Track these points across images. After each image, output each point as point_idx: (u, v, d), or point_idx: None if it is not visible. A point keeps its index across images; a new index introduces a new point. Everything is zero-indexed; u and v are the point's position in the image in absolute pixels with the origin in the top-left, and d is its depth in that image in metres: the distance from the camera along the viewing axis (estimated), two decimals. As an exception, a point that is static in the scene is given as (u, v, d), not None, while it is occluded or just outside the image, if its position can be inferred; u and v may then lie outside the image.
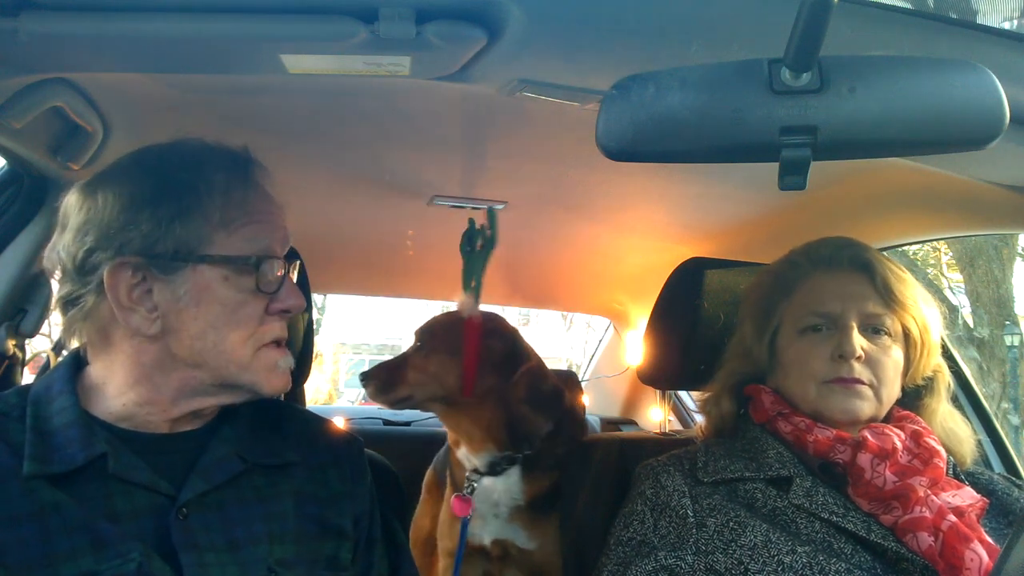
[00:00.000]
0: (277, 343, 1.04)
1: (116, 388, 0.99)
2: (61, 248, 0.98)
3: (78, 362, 1.03)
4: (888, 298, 1.23)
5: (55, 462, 0.93)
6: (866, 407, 1.20)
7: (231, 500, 0.99)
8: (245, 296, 1.00)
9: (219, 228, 0.98)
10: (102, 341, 0.99)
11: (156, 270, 0.96)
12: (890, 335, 1.23)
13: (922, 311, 1.25)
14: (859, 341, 1.20)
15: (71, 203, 1.00)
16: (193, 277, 0.97)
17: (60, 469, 0.92)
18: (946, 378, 1.31)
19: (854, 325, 1.21)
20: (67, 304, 0.98)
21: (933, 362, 1.28)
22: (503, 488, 1.65)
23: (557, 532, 1.57)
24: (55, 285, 1.04)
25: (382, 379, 1.73)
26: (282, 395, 1.09)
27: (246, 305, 1.00)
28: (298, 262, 1.10)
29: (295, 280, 1.09)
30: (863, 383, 1.19)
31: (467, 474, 1.68)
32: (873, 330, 1.22)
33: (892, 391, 1.22)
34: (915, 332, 1.24)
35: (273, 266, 1.01)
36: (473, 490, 1.65)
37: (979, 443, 1.33)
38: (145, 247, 0.95)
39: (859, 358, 1.19)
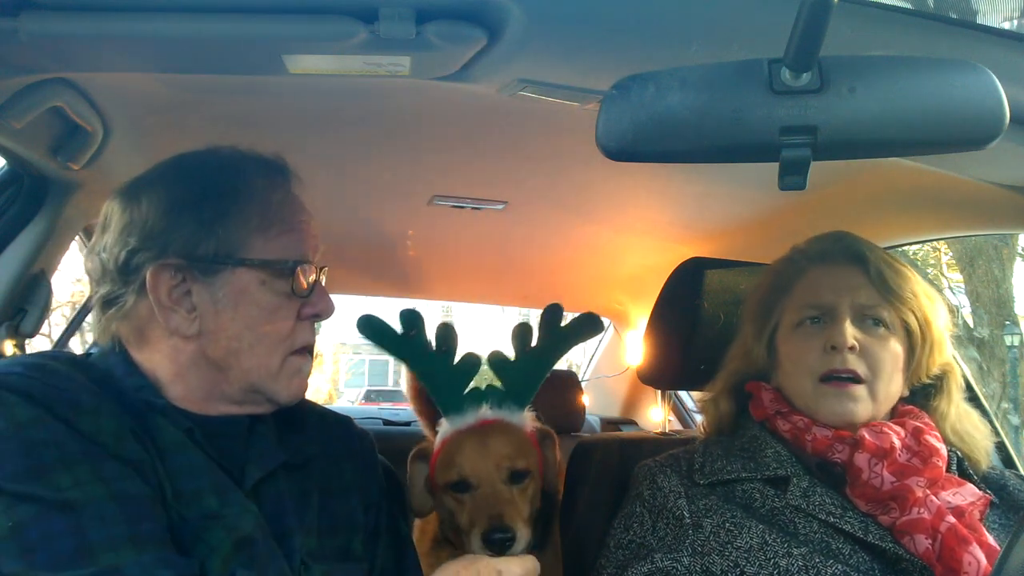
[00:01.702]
0: (304, 349, 1.07)
1: (164, 381, 1.01)
2: (102, 249, 1.01)
3: (125, 349, 1.04)
4: (883, 289, 1.22)
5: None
6: (860, 409, 1.18)
7: (267, 494, 1.02)
8: (280, 300, 1.02)
9: (257, 233, 1.01)
10: (139, 340, 1.01)
11: (197, 272, 0.98)
12: (887, 327, 1.21)
13: (923, 305, 1.23)
14: (852, 332, 1.19)
15: (113, 207, 1.02)
16: (232, 279, 1.00)
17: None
18: (958, 378, 1.28)
19: (847, 316, 1.20)
20: (106, 304, 1.01)
21: (940, 359, 1.26)
22: None
23: (555, 555, 1.55)
24: (91, 285, 1.06)
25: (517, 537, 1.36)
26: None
27: (281, 309, 1.03)
28: (326, 271, 1.12)
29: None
30: (857, 379, 1.18)
31: None
32: (871, 321, 1.21)
33: (890, 387, 1.21)
34: (915, 325, 1.22)
35: (307, 271, 1.04)
36: None
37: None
38: (187, 249, 0.98)
39: (852, 348, 1.18)
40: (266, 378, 1.03)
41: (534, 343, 1.52)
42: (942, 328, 1.26)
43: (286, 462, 1.06)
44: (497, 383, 1.51)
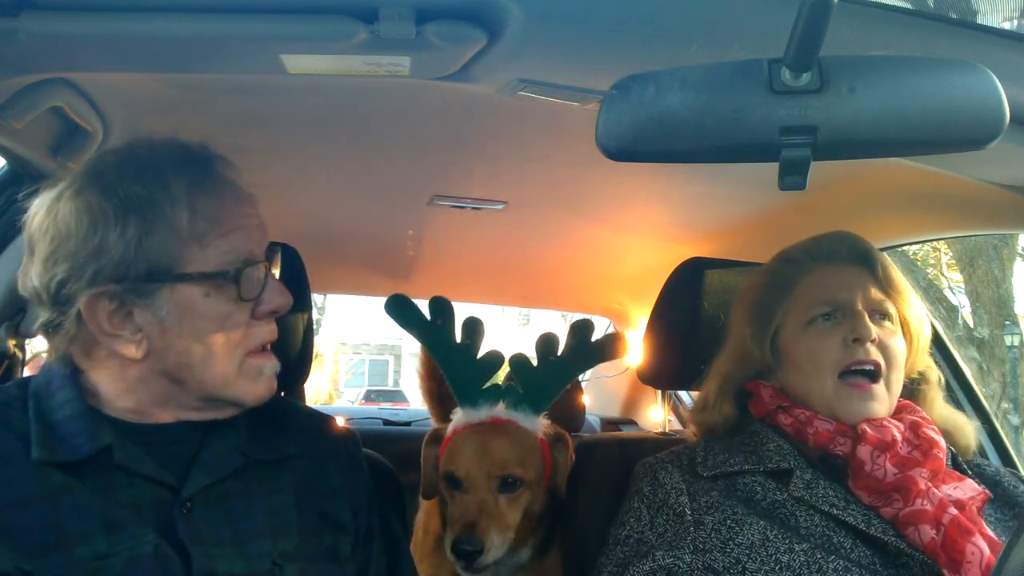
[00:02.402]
0: (265, 347, 1.03)
1: (107, 396, 0.99)
2: (34, 276, 0.95)
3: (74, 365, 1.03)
4: (888, 287, 1.26)
5: (61, 451, 0.93)
6: (880, 408, 1.20)
7: (235, 493, 1.00)
8: (229, 307, 0.98)
9: (191, 243, 0.95)
10: (87, 358, 0.99)
11: (133, 295, 0.94)
12: (893, 322, 1.25)
13: (914, 304, 1.29)
14: (871, 326, 1.21)
15: (34, 227, 0.96)
16: (173, 297, 0.95)
17: (66, 458, 0.93)
18: (936, 371, 1.33)
19: (861, 313, 1.22)
20: (49, 330, 0.97)
21: (925, 357, 1.31)
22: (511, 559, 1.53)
23: (558, 560, 1.55)
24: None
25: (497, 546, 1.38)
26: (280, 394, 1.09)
27: (232, 315, 0.98)
28: (278, 255, 1.07)
29: (279, 275, 1.07)
30: (877, 375, 1.20)
31: None
32: (880, 316, 1.24)
33: (900, 379, 1.24)
34: (913, 322, 1.27)
35: (253, 273, 0.99)
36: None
37: (979, 442, 1.35)
38: (118, 273, 0.92)
39: (874, 341, 1.20)
40: (224, 386, 0.99)
41: (559, 354, 1.53)
42: (928, 328, 1.31)
43: (259, 459, 1.04)
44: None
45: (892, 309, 1.25)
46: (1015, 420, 8.72)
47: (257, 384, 1.02)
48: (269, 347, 1.05)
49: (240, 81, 1.32)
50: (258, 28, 0.94)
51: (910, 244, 2.11)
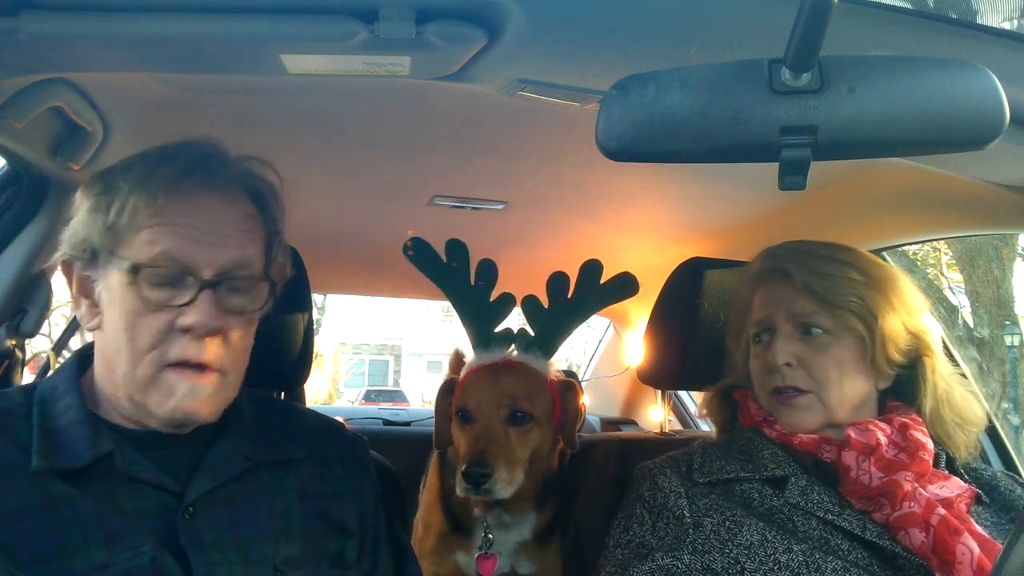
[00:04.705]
0: (187, 364, 0.95)
1: (109, 399, 1.00)
2: None
3: (83, 363, 1.04)
4: (812, 298, 1.21)
5: (62, 459, 0.93)
6: (810, 418, 1.20)
7: (238, 497, 0.99)
8: (142, 306, 0.94)
9: (144, 230, 0.94)
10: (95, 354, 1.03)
11: (80, 265, 0.99)
12: (829, 332, 1.20)
13: (869, 304, 1.20)
14: (787, 349, 1.20)
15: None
16: (106, 277, 0.97)
17: (67, 465, 0.92)
18: (935, 364, 1.24)
19: (782, 331, 1.22)
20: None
21: (903, 346, 1.21)
22: (515, 529, 1.55)
23: (558, 552, 1.56)
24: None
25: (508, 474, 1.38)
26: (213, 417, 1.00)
27: (144, 315, 0.94)
28: (268, 290, 1.02)
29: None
30: (800, 391, 1.20)
31: (486, 532, 1.53)
32: (808, 330, 1.21)
33: (844, 391, 1.19)
34: (857, 326, 1.20)
35: (153, 278, 0.94)
36: (492, 543, 1.52)
37: (979, 441, 1.31)
38: (75, 244, 0.98)
39: (788, 365, 1.20)
40: (135, 390, 0.95)
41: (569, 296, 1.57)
42: (900, 321, 1.21)
43: (263, 460, 1.03)
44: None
45: (825, 320, 1.20)
46: (1015, 420, 8.73)
47: (165, 401, 0.95)
48: (208, 366, 0.96)
49: (240, 81, 1.32)
50: (258, 28, 0.94)
51: (910, 244, 2.11)
